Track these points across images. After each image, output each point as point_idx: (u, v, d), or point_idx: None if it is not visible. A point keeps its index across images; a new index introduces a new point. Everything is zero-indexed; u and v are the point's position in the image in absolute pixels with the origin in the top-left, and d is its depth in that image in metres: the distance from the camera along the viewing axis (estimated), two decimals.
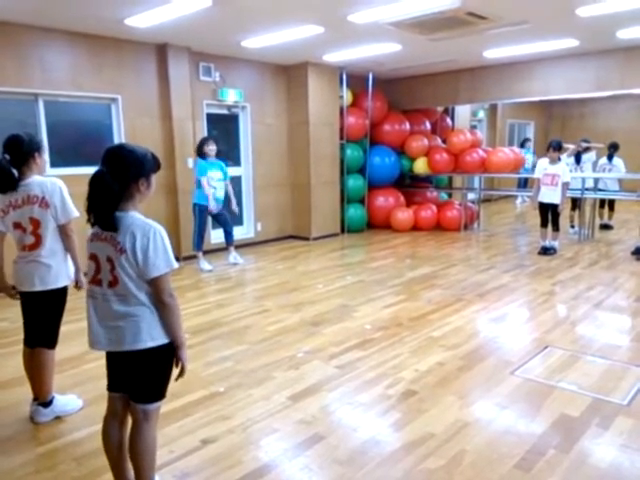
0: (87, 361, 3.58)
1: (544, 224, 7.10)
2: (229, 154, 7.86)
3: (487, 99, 9.42)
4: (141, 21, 5.38)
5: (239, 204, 7.91)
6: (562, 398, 3.03)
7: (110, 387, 2.08)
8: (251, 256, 7.37)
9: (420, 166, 9.35)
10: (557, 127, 14.87)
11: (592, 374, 3.35)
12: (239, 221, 8.04)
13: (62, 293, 2.76)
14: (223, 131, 7.82)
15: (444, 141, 9.69)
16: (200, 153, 6.22)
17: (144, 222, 1.89)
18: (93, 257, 1.95)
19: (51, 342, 2.78)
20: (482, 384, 3.23)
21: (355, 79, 8.63)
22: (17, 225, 2.66)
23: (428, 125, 9.80)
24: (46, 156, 2.82)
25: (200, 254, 6.45)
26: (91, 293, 1.98)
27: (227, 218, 6.51)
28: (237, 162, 7.90)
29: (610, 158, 8.53)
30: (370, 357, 3.66)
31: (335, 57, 7.40)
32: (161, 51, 6.53)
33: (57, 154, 5.93)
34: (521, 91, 8.27)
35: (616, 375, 3.32)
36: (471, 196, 9.76)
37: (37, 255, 2.66)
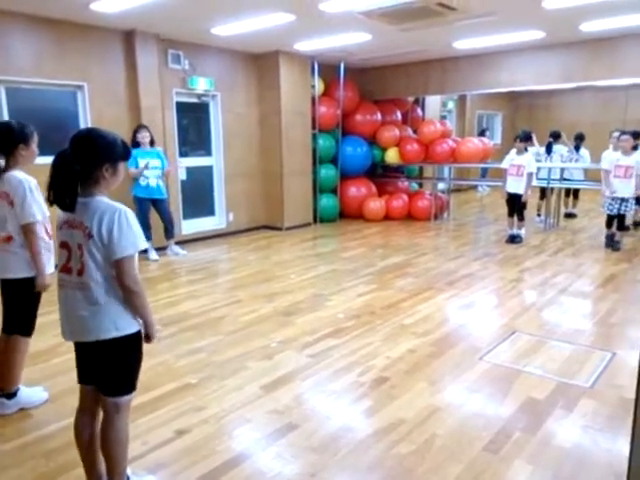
0: (57, 354, 3.52)
1: (511, 214, 7.20)
2: (200, 144, 7.78)
3: (457, 90, 9.52)
4: (107, 6, 5.23)
5: (210, 194, 7.89)
6: (528, 382, 3.12)
7: (80, 379, 2.05)
8: (223, 247, 7.32)
9: (391, 156, 9.41)
10: (524, 117, 15.14)
11: (557, 358, 3.46)
12: (210, 211, 7.97)
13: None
14: (193, 120, 7.70)
15: (415, 131, 9.76)
16: (133, 142, 6.14)
17: (110, 204, 1.86)
18: (64, 245, 1.91)
19: (27, 330, 2.75)
20: (452, 370, 3.30)
21: (326, 68, 8.60)
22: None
23: (399, 115, 9.84)
24: (35, 147, 2.72)
25: (148, 244, 6.40)
26: (61, 282, 1.94)
27: (165, 210, 6.50)
28: (208, 152, 7.80)
29: (577, 149, 8.76)
30: (343, 345, 3.70)
31: (306, 46, 7.35)
32: (128, 37, 6.38)
33: None
34: (489, 82, 8.38)
35: (580, 359, 3.44)
36: (441, 186, 9.88)
37: (9, 246, 2.64)
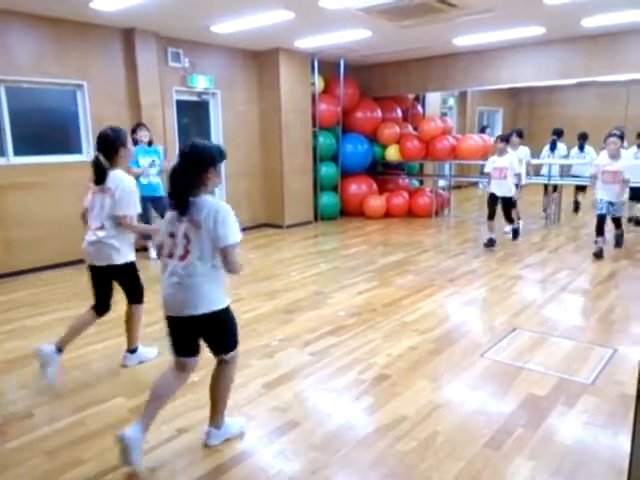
0: None
1: (491, 216, 6.64)
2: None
3: (457, 86, 9.51)
4: (107, 4, 5.23)
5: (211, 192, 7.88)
6: (529, 379, 3.12)
7: (177, 352, 2.41)
8: None
9: (392, 153, 9.41)
10: (525, 114, 15.12)
11: (558, 355, 3.46)
12: None
13: (132, 266, 3.23)
14: (193, 118, 7.70)
15: (415, 128, 9.75)
16: (132, 140, 6.13)
17: (214, 202, 2.28)
18: (171, 235, 2.31)
19: (140, 299, 3.33)
20: (453, 367, 3.30)
21: (327, 65, 8.58)
22: (92, 208, 3.12)
23: (399, 112, 9.84)
24: (130, 145, 3.22)
25: (149, 243, 6.44)
26: (164, 266, 2.34)
27: (164, 208, 6.45)
28: None
29: (581, 148, 8.73)
30: (344, 343, 3.70)
31: (306, 43, 7.34)
32: (128, 36, 6.37)
33: (21, 142, 5.74)
34: (490, 78, 8.37)
35: (580, 355, 3.44)
36: (442, 183, 9.88)
37: (102, 237, 3.09)
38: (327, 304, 4.60)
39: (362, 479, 2.26)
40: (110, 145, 3.06)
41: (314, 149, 8.60)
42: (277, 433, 2.59)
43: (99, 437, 2.58)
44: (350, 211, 9.28)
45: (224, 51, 7.54)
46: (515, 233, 6.98)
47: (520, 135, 7.76)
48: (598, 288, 4.93)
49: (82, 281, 5.44)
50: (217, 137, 7.75)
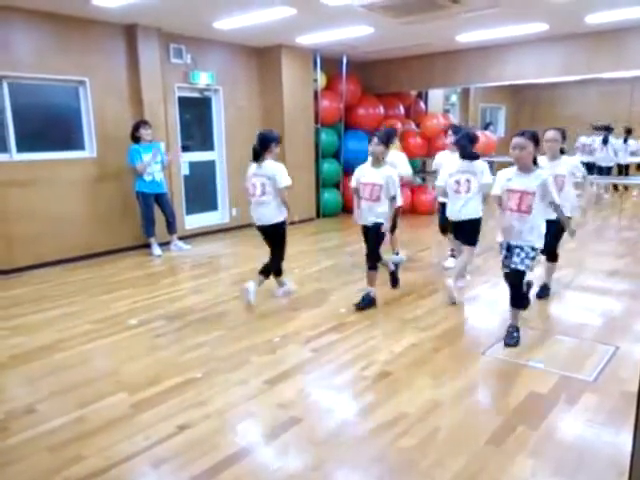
0: (59, 350, 3.53)
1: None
2: (202, 138, 7.77)
3: (460, 83, 9.47)
4: (109, 0, 5.21)
5: (213, 189, 7.90)
6: (531, 376, 3.12)
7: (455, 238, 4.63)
8: (227, 241, 7.33)
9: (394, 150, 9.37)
10: (528, 111, 15.04)
11: (560, 352, 3.45)
12: (213, 206, 7.97)
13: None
14: (195, 115, 7.69)
15: (418, 125, 9.72)
16: (134, 137, 6.17)
17: (481, 163, 4.31)
18: (456, 181, 4.39)
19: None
20: (455, 364, 3.30)
21: (329, 62, 8.56)
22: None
23: (402, 109, 9.81)
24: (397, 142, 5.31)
25: (152, 240, 6.44)
26: (451, 197, 4.46)
27: (168, 204, 6.55)
28: (210, 146, 7.79)
29: (625, 141, 9.32)
30: (345, 340, 3.70)
31: (308, 39, 7.32)
32: (130, 32, 6.36)
33: (23, 139, 5.75)
34: (493, 75, 8.33)
35: (583, 353, 3.44)
36: None
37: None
38: (329, 301, 4.60)
39: (363, 475, 2.27)
40: (387, 138, 4.50)
41: (316, 146, 8.59)
42: (278, 430, 2.59)
43: (101, 433, 2.58)
44: (352, 208, 9.24)
45: (226, 47, 7.52)
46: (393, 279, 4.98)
47: (456, 134, 5.12)
48: (600, 286, 4.92)
49: (84, 277, 5.49)
50: (219, 134, 7.74)
